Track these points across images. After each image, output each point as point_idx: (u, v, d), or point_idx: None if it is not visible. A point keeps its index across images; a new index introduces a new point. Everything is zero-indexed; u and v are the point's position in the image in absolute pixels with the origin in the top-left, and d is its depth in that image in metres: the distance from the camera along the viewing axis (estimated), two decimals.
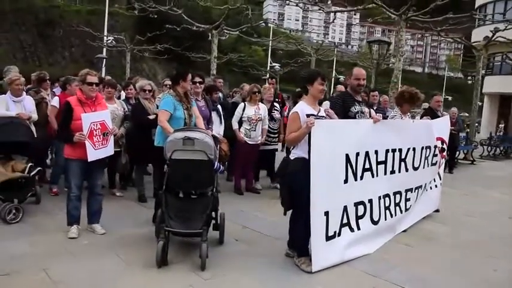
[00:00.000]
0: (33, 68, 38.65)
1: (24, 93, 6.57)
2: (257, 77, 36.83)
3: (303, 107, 4.43)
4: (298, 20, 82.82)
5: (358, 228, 5.09)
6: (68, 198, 5.05)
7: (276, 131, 8.27)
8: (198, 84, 6.16)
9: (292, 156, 4.48)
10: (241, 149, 7.54)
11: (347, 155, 4.76)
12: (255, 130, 7.54)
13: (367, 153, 5.06)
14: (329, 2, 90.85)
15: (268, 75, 34.78)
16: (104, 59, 25.01)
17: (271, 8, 78.16)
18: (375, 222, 5.41)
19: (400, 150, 5.74)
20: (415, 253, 5.24)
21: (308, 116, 4.32)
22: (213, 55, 17.02)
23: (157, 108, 6.72)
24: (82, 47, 58.12)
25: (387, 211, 5.66)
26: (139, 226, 5.52)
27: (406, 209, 6.07)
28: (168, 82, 8.14)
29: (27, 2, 54.22)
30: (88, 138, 4.77)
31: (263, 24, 24.08)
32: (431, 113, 8.42)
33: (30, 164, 5.70)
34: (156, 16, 19.41)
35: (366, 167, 5.08)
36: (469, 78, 61.26)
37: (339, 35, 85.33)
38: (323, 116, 4.55)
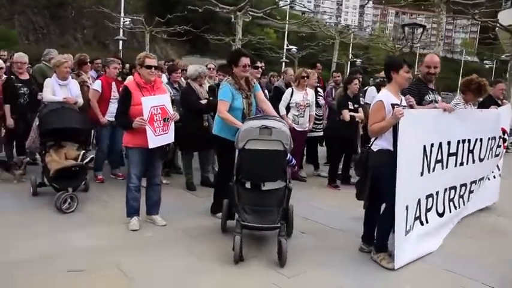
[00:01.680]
0: (45, 50, 38.37)
1: (70, 76, 6.33)
2: (272, 59, 36.31)
3: (387, 96, 4.15)
4: (310, 2, 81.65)
5: (427, 222, 4.90)
6: (128, 188, 4.82)
7: (320, 118, 8.02)
8: (259, 69, 5.87)
9: (374, 148, 4.21)
10: None
11: (424, 146, 4.51)
12: (303, 116, 7.26)
13: (440, 144, 4.81)
14: None
15: (284, 58, 34.38)
16: (122, 41, 24.57)
17: None
18: (440, 215, 5.21)
19: (469, 141, 5.47)
20: (486, 247, 4.99)
21: (393, 105, 4.05)
22: (238, 37, 16.66)
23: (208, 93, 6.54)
24: (94, 28, 57.94)
25: (451, 203, 5.47)
26: (198, 216, 5.32)
27: (468, 201, 5.85)
28: (212, 65, 7.89)
29: None
30: (148, 123, 4.49)
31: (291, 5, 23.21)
32: (492, 102, 8.03)
33: (83, 151, 5.48)
34: None
35: (438, 158, 4.82)
36: (485, 62, 60.19)
37: (352, 17, 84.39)
38: (405, 106, 4.27)
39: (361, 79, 7.72)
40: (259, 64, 5.78)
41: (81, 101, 6.31)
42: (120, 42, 25.71)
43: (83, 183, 5.74)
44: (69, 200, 5.16)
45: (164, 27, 28.10)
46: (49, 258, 3.93)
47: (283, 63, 33.96)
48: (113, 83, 6.58)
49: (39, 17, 52.63)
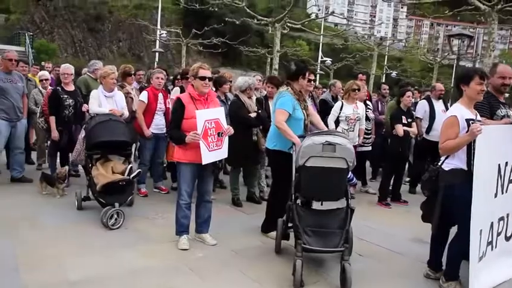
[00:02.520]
0: (83, 62, 39.40)
1: (116, 88, 6.23)
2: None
3: (461, 111, 3.81)
4: (343, 14, 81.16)
5: (496, 246, 4.49)
6: (178, 205, 4.61)
7: (370, 132, 7.68)
8: (312, 82, 5.64)
9: (446, 167, 3.87)
10: None
11: (499, 165, 4.12)
12: (353, 130, 6.95)
13: None
14: None
15: (318, 70, 34.01)
16: (158, 53, 24.80)
17: (315, 1, 76.85)
18: (507, 239, 4.79)
19: None
20: None
21: (468, 121, 3.72)
22: (276, 49, 16.41)
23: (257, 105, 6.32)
24: (129, 41, 59.27)
25: None
26: (248, 235, 5.09)
27: None
28: (259, 77, 7.69)
29: None
30: (202, 138, 4.28)
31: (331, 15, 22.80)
32: None
33: (130, 165, 5.32)
34: (216, 9, 18.92)
35: (511, 178, 4.44)
36: None
37: (385, 29, 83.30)
38: (479, 121, 3.92)
39: (414, 92, 7.38)
40: (312, 77, 5.54)
41: (126, 113, 6.21)
42: (157, 54, 25.93)
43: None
44: (115, 216, 5.00)
45: (200, 39, 28.23)
46: (106, 279, 3.77)
47: (318, 75, 33.58)
48: (160, 95, 6.45)
49: (77, 30, 54.15)
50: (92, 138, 5.25)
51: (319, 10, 33.00)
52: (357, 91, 7.00)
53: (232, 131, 4.61)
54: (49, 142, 7.26)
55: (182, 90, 6.71)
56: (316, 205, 4.33)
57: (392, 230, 5.63)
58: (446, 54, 26.88)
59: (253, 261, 4.31)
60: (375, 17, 74.13)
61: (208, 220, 4.84)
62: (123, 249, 4.44)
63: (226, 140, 4.54)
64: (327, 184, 3.97)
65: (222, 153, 4.54)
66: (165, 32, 25.84)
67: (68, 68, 6.71)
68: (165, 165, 7.28)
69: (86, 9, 56.03)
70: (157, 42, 26.96)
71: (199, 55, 58.73)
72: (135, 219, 5.40)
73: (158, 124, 6.48)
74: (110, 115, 5.52)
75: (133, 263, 4.10)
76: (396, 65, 45.68)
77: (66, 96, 6.56)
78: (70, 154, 6.43)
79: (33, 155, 8.31)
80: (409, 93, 6.95)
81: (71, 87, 6.71)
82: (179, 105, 4.44)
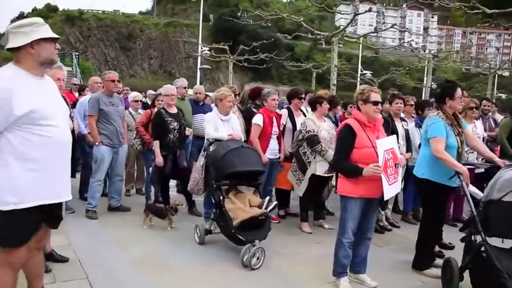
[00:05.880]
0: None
1: (231, 111, 5.75)
2: (346, 85, 35.24)
3: None
4: (372, 25, 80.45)
5: None
6: (340, 244, 4.04)
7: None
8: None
9: None
10: None
11: None
12: (472, 152, 6.30)
13: None
14: (404, 6, 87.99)
15: (359, 83, 33.26)
16: (200, 70, 24.55)
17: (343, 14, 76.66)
18: None
19: None
20: None
21: None
22: (333, 64, 15.87)
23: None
24: (160, 58, 59.87)
25: None
26: (398, 272, 4.60)
27: None
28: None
29: (111, 18, 56.49)
30: (382, 170, 3.74)
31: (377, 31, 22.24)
32: None
33: (268, 198, 4.79)
34: (268, 24, 18.55)
35: None
36: None
37: (415, 39, 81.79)
38: None
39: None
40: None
41: (243, 138, 5.71)
42: (199, 71, 25.68)
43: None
44: (257, 255, 4.46)
45: (235, 54, 27.92)
46: None
47: (357, 89, 32.92)
48: (273, 117, 5.95)
49: (110, 49, 55.05)
50: (223, 168, 4.73)
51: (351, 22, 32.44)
52: (474, 109, 6.38)
53: (404, 161, 4.07)
54: (150, 168, 6.84)
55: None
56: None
57: None
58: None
59: None
60: (404, 27, 73.05)
61: (366, 259, 4.27)
62: None
63: (400, 171, 3.99)
64: None
65: (398, 186, 3.99)
66: (207, 48, 25.58)
67: (173, 89, 6.27)
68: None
69: (117, 28, 56.89)
70: (199, 58, 26.65)
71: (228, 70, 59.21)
72: (268, 255, 4.84)
73: (273, 149, 5.99)
74: (240, 142, 5.05)
75: None
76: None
77: (170, 119, 6.11)
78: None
79: None
80: None
81: (174, 110, 6.27)
82: (350, 132, 3.90)
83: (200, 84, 19.23)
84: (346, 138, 3.92)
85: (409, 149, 6.16)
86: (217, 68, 53.62)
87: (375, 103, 3.92)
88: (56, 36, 2.89)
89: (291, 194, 6.69)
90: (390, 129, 5.72)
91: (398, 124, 6.18)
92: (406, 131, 6.23)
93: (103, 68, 53.22)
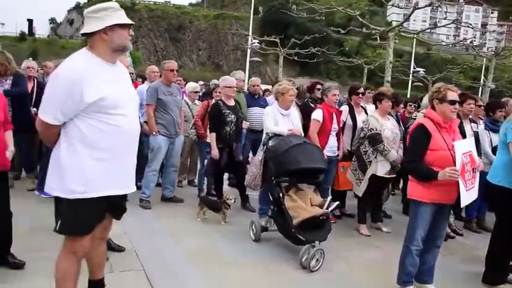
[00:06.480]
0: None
1: (292, 105, 5.57)
2: (397, 82, 34.28)
3: None
4: (425, 21, 77.83)
5: None
6: (407, 251, 3.79)
7: None
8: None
9: None
10: None
11: None
12: None
13: None
14: (461, 1, 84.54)
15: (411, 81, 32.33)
16: (250, 62, 24.44)
17: (395, 9, 74.46)
18: None
19: None
20: None
21: None
22: (389, 60, 15.35)
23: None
24: (208, 50, 60.44)
25: None
26: (465, 283, 4.31)
27: None
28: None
29: (162, 9, 57.47)
30: (460, 175, 3.46)
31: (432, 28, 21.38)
32: None
33: (329, 197, 4.60)
34: (321, 17, 18.18)
35: None
36: None
37: (471, 36, 78.17)
38: None
39: None
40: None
41: (302, 132, 5.53)
42: (248, 63, 25.59)
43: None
44: (317, 256, 4.28)
45: (283, 47, 27.67)
46: None
47: (409, 87, 32.01)
48: (333, 113, 5.73)
49: (160, 40, 56.06)
50: (286, 164, 4.56)
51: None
52: None
53: (482, 165, 3.76)
54: (204, 160, 6.79)
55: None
56: None
57: None
58: None
59: None
60: (460, 23, 70.08)
61: (434, 269, 4.01)
62: None
63: (477, 176, 3.69)
64: None
65: (475, 192, 3.68)
66: (257, 41, 25.41)
67: (233, 81, 6.15)
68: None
69: (168, 19, 57.81)
70: (248, 51, 26.53)
71: (277, 64, 59.05)
72: (327, 256, 4.62)
73: (332, 146, 5.78)
74: (302, 138, 4.87)
75: None
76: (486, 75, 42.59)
77: (228, 111, 6.00)
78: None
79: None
80: None
81: (231, 102, 6.15)
82: (424, 133, 3.64)
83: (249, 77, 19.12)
84: (421, 139, 3.66)
85: (478, 152, 5.78)
86: (265, 61, 53.49)
87: (452, 102, 3.63)
88: (130, 22, 2.78)
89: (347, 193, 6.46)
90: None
91: (467, 126, 5.82)
92: (476, 134, 5.85)
93: (152, 58, 54.38)
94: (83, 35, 2.76)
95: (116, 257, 4.24)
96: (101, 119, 2.65)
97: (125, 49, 2.84)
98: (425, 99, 5.65)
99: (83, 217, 2.72)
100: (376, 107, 5.75)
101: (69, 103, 2.57)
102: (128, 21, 2.77)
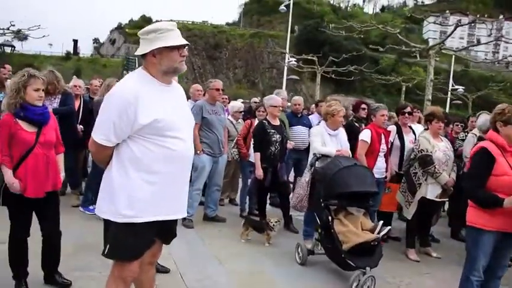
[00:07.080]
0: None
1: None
2: (435, 100, 33.56)
3: None
4: (463, 38, 76.34)
5: None
6: (467, 281, 3.56)
7: None
8: None
9: None
10: None
11: None
12: None
13: None
14: (501, 17, 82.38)
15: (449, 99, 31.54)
16: (287, 80, 24.45)
17: (432, 26, 73.46)
18: None
19: None
20: None
21: None
22: (429, 78, 15.01)
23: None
24: (244, 68, 61.08)
25: None
26: None
27: None
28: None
29: (199, 28, 58.74)
30: None
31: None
32: None
33: (381, 222, 4.44)
34: (360, 35, 18.04)
35: None
36: None
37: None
38: None
39: None
40: None
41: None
42: (285, 81, 25.60)
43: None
44: (368, 283, 4.12)
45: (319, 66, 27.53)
46: None
47: (447, 105, 31.21)
48: (382, 134, 5.60)
49: (197, 58, 57.04)
50: (335, 186, 4.44)
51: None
52: None
53: None
54: (248, 180, 6.75)
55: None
56: None
57: None
58: None
59: None
60: (499, 39, 68.28)
61: None
62: None
63: None
64: None
65: None
66: (294, 59, 25.45)
67: (279, 100, 6.10)
68: None
69: (205, 38, 58.87)
70: (285, 68, 26.55)
71: (312, 82, 58.90)
72: (377, 282, 4.46)
73: (380, 167, 5.62)
74: (353, 160, 4.75)
75: None
76: None
77: (273, 131, 5.94)
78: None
79: None
80: None
81: (277, 122, 6.09)
82: (487, 157, 3.45)
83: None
84: (483, 163, 3.47)
85: None
86: (300, 79, 53.51)
87: None
88: (179, 43, 2.64)
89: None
90: None
91: None
92: None
93: (190, 76, 55.21)
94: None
95: (160, 279, 4.19)
96: (156, 142, 2.58)
97: (175, 71, 2.74)
98: (481, 120, 5.44)
99: (132, 242, 2.63)
100: (427, 128, 5.58)
101: (123, 124, 2.51)
102: (178, 42, 2.64)
